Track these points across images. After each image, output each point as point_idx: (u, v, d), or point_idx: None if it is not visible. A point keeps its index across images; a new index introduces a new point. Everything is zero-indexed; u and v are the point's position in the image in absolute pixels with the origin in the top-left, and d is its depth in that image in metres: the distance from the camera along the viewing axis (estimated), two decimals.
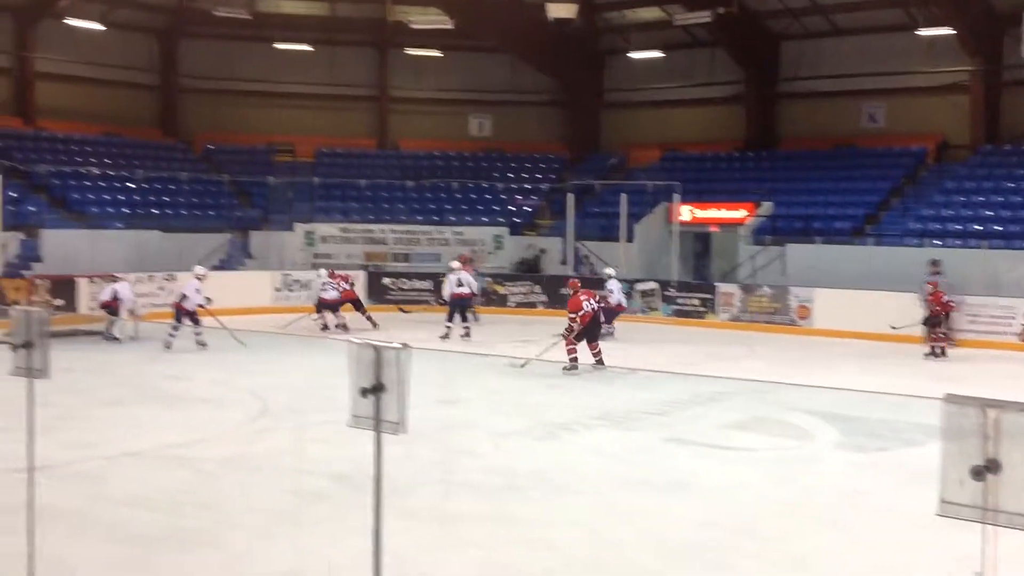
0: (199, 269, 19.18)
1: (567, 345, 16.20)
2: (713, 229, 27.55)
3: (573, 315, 16.34)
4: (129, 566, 7.09)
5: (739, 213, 26.76)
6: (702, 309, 23.79)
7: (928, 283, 19.37)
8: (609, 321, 19.74)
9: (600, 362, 16.38)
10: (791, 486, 9.65)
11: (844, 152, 28.92)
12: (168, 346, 17.84)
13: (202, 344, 18.00)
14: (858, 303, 21.42)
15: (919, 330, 18.99)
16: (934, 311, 18.67)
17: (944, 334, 18.75)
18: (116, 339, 18.56)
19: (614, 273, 21.35)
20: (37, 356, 6.55)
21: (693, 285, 24.97)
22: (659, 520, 8.36)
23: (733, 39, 29.90)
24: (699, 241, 28.27)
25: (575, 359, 16.15)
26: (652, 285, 24.75)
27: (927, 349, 18.63)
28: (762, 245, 25.42)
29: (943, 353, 18.56)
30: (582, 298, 16.56)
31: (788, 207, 26.78)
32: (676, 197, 26.27)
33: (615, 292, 20.81)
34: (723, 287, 24.03)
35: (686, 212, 26.79)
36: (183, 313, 18.18)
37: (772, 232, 25.82)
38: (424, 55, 33.10)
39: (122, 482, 9.19)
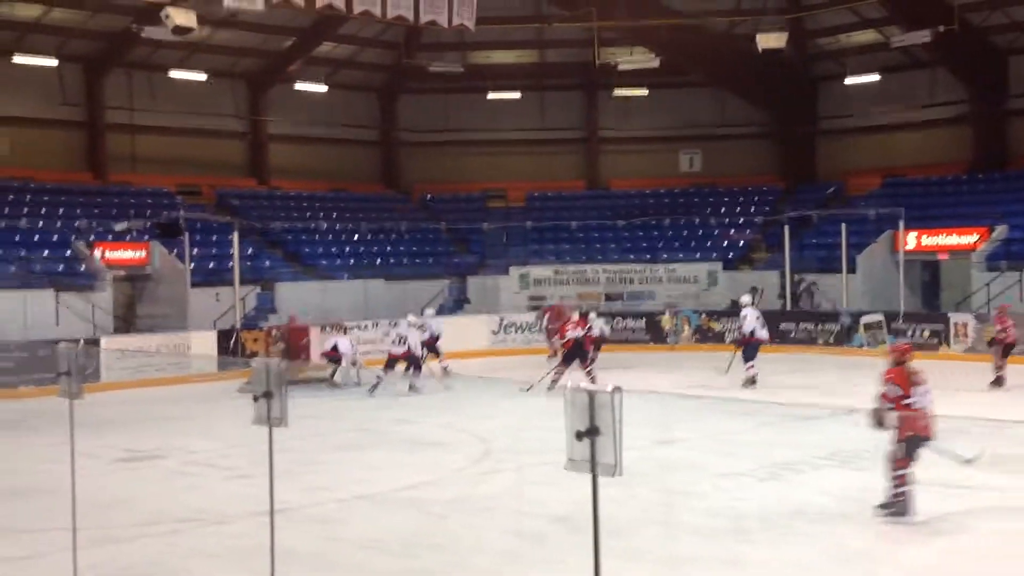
0: (413, 318, 19.61)
1: (556, 368, 18.23)
2: (942, 257, 26.25)
3: (562, 341, 18.62)
4: None
5: (970, 238, 25.41)
6: (934, 341, 22.66)
7: (998, 308, 18.72)
8: (751, 356, 18.68)
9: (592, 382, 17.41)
10: None
11: None
12: (416, 389, 18.49)
13: (415, 389, 18.58)
14: None
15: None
16: (998, 337, 17.97)
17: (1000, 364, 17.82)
18: (337, 385, 19.42)
19: (748, 300, 19.82)
20: (276, 405, 6.94)
21: (923, 316, 23.84)
22: (895, 565, 7.99)
23: (955, 57, 28.56)
24: (927, 270, 27.01)
25: (555, 380, 17.68)
26: (877, 317, 23.79)
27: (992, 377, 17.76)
28: (998, 271, 24.02)
29: (996, 382, 17.71)
30: (569, 326, 18.65)
31: None
32: (900, 224, 25.22)
33: (748, 320, 19.01)
34: (956, 317, 22.83)
35: (912, 239, 25.66)
36: (404, 359, 18.77)
37: (1008, 257, 24.37)
38: (632, 95, 33.27)
39: (356, 524, 9.57)
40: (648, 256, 29.47)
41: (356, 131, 33.76)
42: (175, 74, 29.51)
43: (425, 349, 19.59)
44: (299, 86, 31.72)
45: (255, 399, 7.00)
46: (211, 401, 18.03)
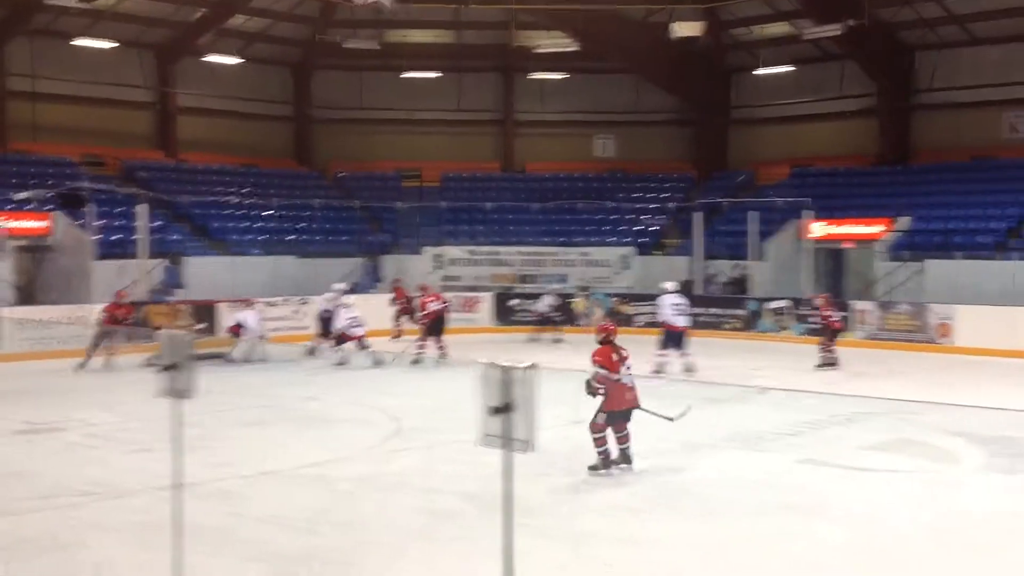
0: (351, 299, 20.03)
1: (418, 341, 19.27)
2: (847, 245, 26.89)
3: (422, 315, 19.50)
4: None
5: (874, 229, 26.08)
6: None
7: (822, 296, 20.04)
8: (664, 344, 17.94)
9: (444, 356, 18.85)
10: (936, 509, 9.29)
11: (984, 164, 27.98)
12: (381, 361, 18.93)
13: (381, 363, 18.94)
14: (1002, 320, 20.62)
15: None
16: (827, 323, 19.02)
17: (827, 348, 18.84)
18: (234, 361, 19.15)
19: (671, 287, 19.02)
20: (182, 377, 6.79)
21: None
22: (796, 543, 8.15)
23: (864, 51, 29.23)
24: (832, 258, 27.64)
25: (420, 353, 19.05)
26: (783, 304, 24.28)
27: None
28: (899, 261, 24.70)
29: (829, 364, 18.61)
30: (429, 300, 19.57)
31: (926, 222, 25.98)
32: (807, 213, 25.74)
33: (661, 308, 18.33)
34: (858, 305, 23.41)
35: (818, 229, 26.22)
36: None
37: (910, 248, 25.08)
38: (548, 78, 33.33)
39: (261, 500, 9.43)
40: (562, 239, 29.61)
41: (269, 106, 33.21)
42: (80, 42, 28.56)
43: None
44: (210, 58, 31.03)
45: (160, 371, 6.84)
46: (114, 374, 17.62)
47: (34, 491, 9.53)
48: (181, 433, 6.72)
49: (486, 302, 26.32)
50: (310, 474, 10.48)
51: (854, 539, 8.25)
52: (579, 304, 26.23)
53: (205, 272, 24.93)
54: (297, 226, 29.28)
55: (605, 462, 10.28)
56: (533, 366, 5.20)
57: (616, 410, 10.26)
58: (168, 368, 6.82)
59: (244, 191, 30.05)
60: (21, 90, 28.27)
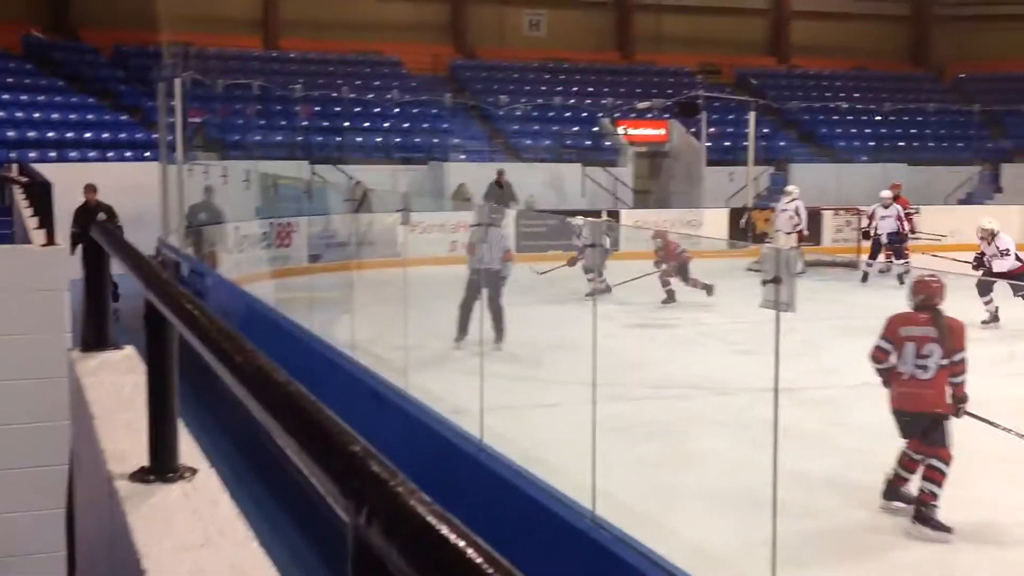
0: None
1: None
2: None
3: None
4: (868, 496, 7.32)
5: None
6: None
7: None
8: None
9: None
10: None
11: None
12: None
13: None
14: None
15: None
16: None
17: None
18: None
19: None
20: (784, 291, 7.01)
21: None
22: None
23: None
24: None
25: None
26: None
27: None
28: None
29: None
30: None
31: None
32: None
33: None
34: None
35: None
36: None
37: None
38: None
39: (864, 410, 9.42)
40: None
41: (884, 5, 31.90)
42: None
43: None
44: None
45: (763, 284, 7.11)
46: (718, 277, 18.37)
47: (647, 380, 10.44)
48: (779, 341, 6.97)
49: None
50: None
51: None
52: None
53: (810, 178, 24.90)
54: (908, 131, 28.06)
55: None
56: None
57: (895, 408, 7.51)
58: (771, 282, 7.06)
59: (854, 96, 29.39)
60: (647, 3, 30.05)
